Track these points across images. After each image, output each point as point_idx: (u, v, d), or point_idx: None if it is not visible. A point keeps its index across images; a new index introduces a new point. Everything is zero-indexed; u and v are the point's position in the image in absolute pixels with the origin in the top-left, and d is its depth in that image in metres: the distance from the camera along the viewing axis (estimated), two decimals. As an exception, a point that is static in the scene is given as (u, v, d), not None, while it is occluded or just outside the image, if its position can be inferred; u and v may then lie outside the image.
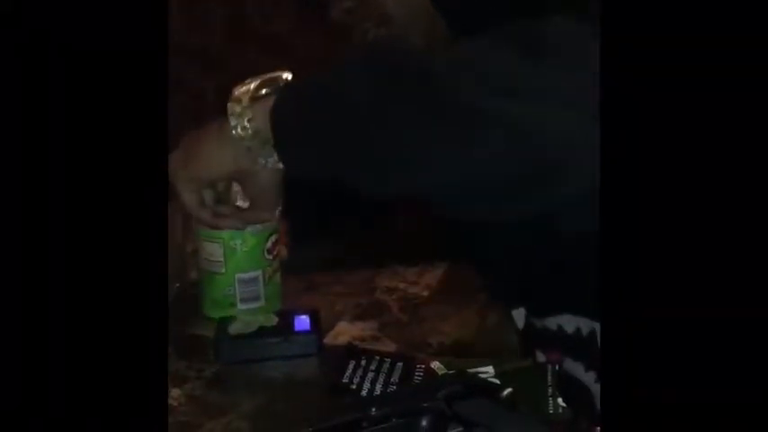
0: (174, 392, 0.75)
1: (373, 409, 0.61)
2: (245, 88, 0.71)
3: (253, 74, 0.73)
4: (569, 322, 0.72)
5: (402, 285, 0.96)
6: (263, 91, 0.71)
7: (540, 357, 0.77)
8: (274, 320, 0.84)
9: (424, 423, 0.60)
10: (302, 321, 0.83)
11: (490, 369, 0.73)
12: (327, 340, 0.84)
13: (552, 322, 0.75)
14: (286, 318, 0.84)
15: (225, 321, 0.84)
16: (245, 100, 0.70)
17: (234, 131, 0.70)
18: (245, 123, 0.69)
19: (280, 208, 0.84)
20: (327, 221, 1.01)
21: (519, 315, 0.80)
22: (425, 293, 0.94)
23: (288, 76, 0.73)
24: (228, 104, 0.71)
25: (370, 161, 0.65)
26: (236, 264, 0.86)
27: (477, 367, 0.73)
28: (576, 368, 0.73)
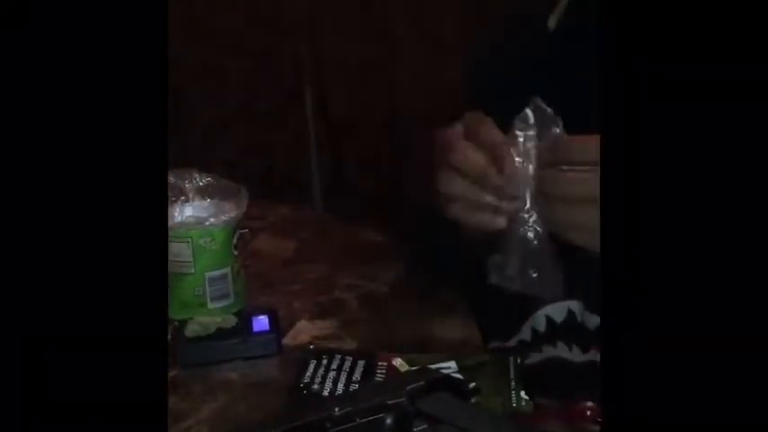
0: (131, 398, 0.73)
1: (336, 409, 0.61)
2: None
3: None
4: None
5: (361, 282, 0.95)
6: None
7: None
8: (232, 321, 0.83)
9: (388, 421, 0.60)
10: (261, 322, 0.82)
11: (452, 364, 0.73)
12: (287, 340, 0.83)
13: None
14: (244, 319, 0.83)
15: (182, 324, 0.82)
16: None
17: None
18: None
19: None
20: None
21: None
22: (385, 290, 0.93)
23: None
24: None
25: None
26: (206, 262, 0.84)
27: (439, 363, 0.73)
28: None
